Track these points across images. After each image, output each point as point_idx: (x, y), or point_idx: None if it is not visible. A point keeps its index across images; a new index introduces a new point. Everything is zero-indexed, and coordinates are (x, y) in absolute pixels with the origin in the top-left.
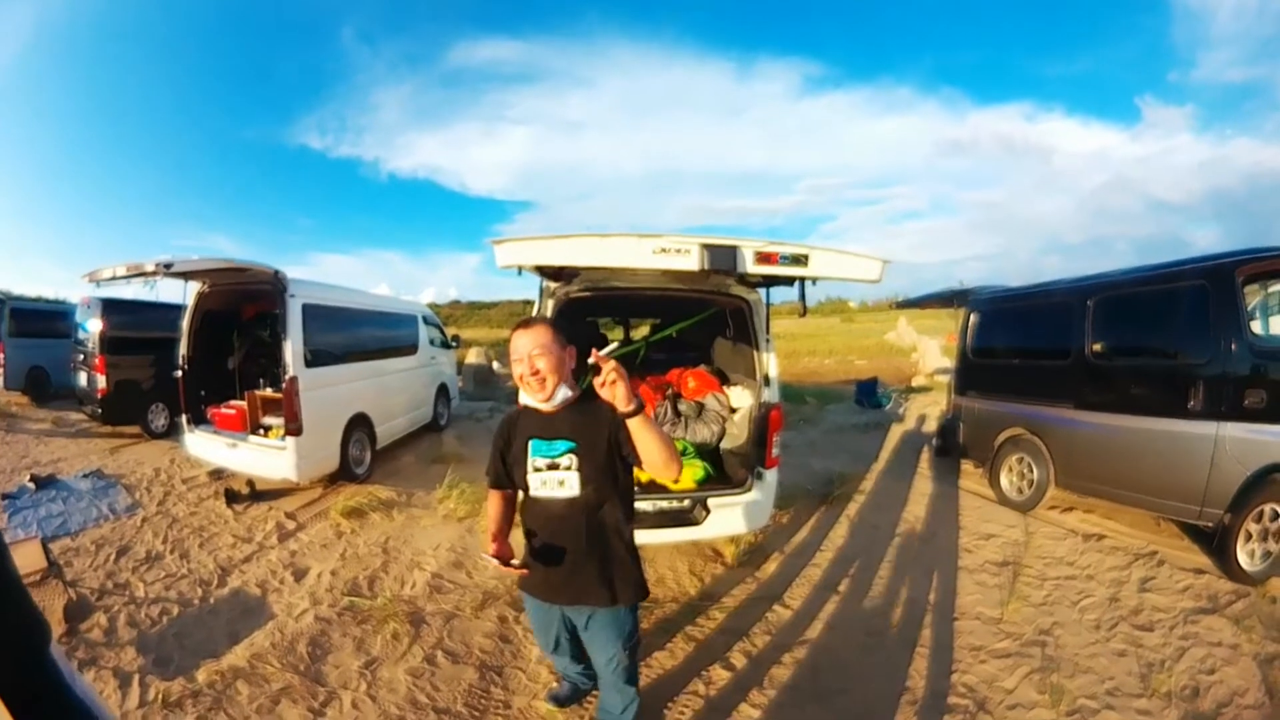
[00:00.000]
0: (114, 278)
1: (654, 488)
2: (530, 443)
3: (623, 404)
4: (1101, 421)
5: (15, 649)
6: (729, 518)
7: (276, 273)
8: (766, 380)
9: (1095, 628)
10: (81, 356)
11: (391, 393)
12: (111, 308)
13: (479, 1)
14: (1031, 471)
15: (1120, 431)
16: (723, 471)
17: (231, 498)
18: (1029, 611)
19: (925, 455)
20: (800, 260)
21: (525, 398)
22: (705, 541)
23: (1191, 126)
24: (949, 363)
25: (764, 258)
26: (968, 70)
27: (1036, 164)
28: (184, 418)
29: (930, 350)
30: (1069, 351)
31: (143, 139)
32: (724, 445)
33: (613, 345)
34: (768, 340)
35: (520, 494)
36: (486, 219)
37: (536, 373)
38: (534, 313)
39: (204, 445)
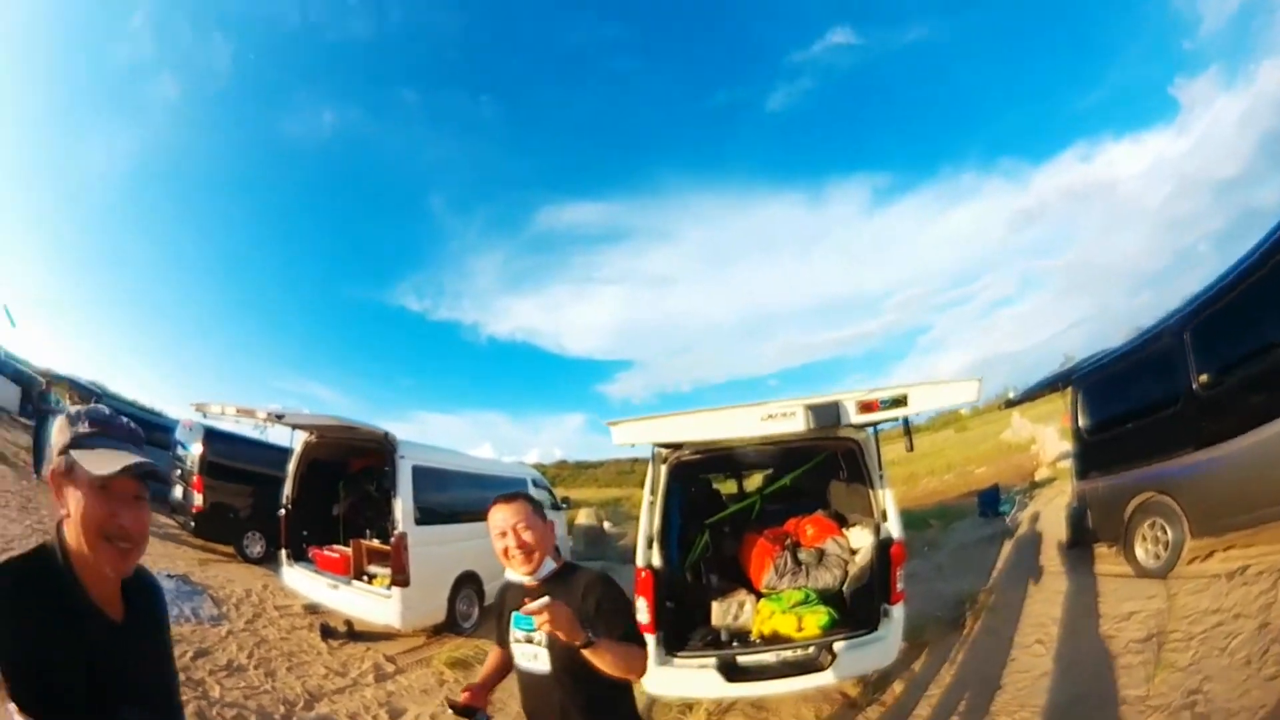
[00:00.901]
0: (222, 414)
1: (777, 639)
2: (514, 615)
3: (568, 639)
4: (1225, 451)
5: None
6: (855, 659)
7: (386, 434)
8: (884, 516)
9: (1246, 663)
10: (179, 472)
11: None
12: (214, 436)
13: (556, 167)
14: (1166, 533)
15: (1246, 451)
16: (848, 614)
17: (327, 632)
18: (1176, 677)
19: (1056, 552)
20: (900, 401)
21: (510, 574)
22: (831, 686)
23: (1221, 83)
24: (1069, 445)
25: (866, 407)
26: (1018, 133)
27: (1103, 203)
28: (283, 552)
29: (1048, 438)
30: (1178, 395)
31: (246, 280)
32: (847, 587)
33: (542, 599)
34: (881, 475)
35: None
36: (586, 379)
37: (523, 545)
38: (648, 476)
39: (302, 580)
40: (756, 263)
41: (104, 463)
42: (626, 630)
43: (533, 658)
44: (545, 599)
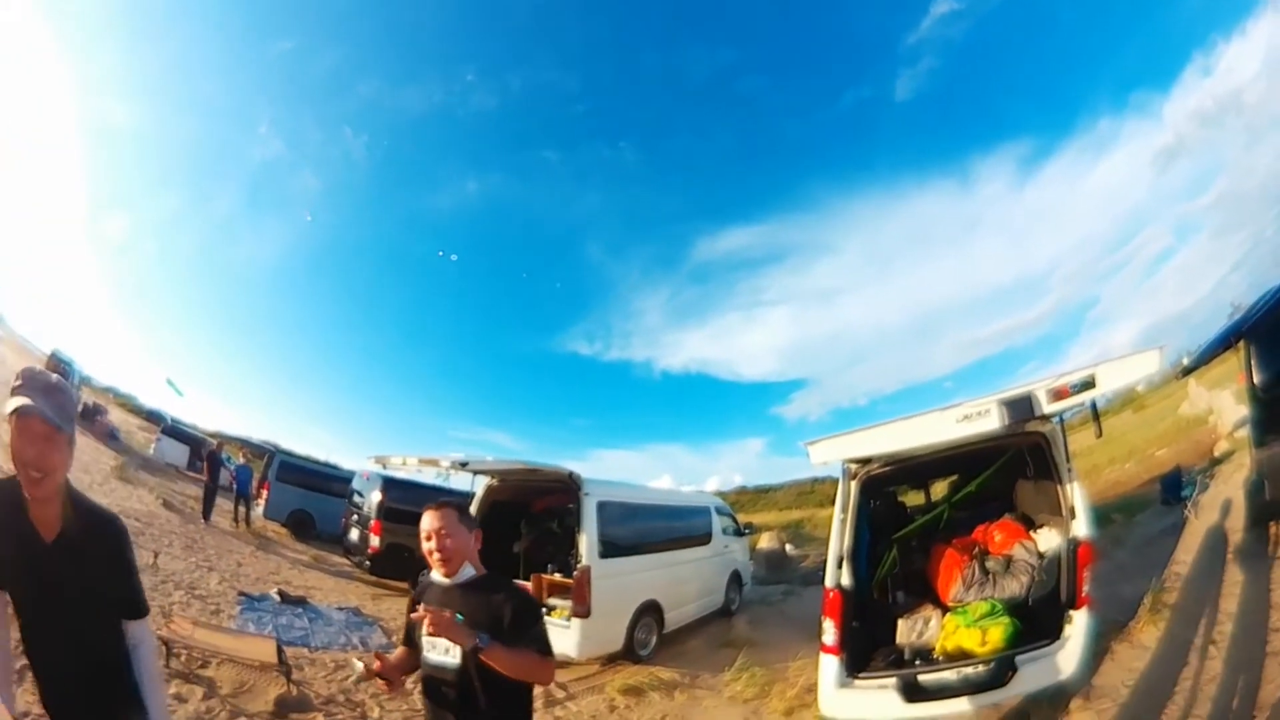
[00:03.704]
0: (403, 465)
1: (961, 654)
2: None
3: (454, 643)
4: None
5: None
6: (1036, 671)
7: (571, 474)
8: (1073, 513)
9: None
10: (355, 517)
11: (683, 581)
12: (391, 484)
13: (705, 197)
14: None
15: None
16: (1034, 623)
17: None
18: None
19: (1232, 536)
20: (1089, 384)
21: (432, 573)
22: (1009, 702)
23: None
24: (1246, 409)
25: (1057, 394)
26: (1138, 61)
27: (1234, 118)
28: None
29: (1224, 404)
30: None
31: (417, 341)
32: (1034, 594)
33: (427, 607)
34: (1070, 469)
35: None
36: (762, 403)
37: (443, 549)
38: (837, 495)
39: None
40: (917, 259)
41: (9, 406)
42: (531, 638)
43: (445, 651)
44: (426, 607)
